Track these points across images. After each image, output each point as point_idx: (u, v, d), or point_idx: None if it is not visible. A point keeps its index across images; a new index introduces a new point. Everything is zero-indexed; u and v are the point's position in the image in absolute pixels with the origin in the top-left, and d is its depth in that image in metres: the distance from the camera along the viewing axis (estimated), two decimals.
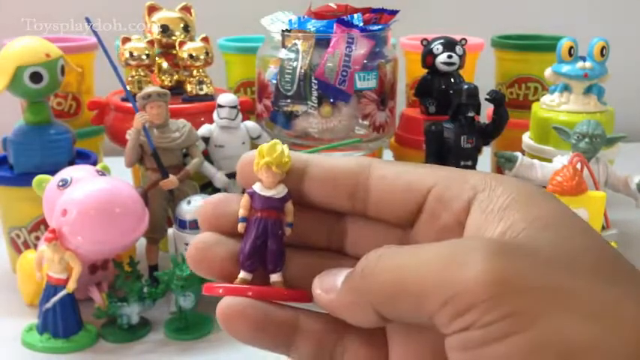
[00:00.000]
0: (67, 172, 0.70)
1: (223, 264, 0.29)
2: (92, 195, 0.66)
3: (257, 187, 0.32)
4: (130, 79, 0.87)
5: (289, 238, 0.30)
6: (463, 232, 0.26)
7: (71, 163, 0.78)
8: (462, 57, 0.91)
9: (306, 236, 0.31)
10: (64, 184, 0.68)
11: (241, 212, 0.31)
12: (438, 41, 0.91)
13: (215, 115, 0.81)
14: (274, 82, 0.82)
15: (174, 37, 0.89)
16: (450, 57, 0.90)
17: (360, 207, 0.29)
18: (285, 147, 0.31)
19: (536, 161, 0.83)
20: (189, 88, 0.88)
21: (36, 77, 0.75)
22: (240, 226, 0.31)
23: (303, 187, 0.30)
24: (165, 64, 0.90)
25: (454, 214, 0.27)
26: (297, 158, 0.30)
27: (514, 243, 0.24)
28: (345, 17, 0.82)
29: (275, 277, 0.30)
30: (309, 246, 0.31)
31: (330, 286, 0.27)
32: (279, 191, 0.32)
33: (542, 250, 0.23)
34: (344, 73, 0.79)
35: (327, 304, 0.27)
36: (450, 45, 0.91)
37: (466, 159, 0.83)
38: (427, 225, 0.28)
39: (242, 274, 0.31)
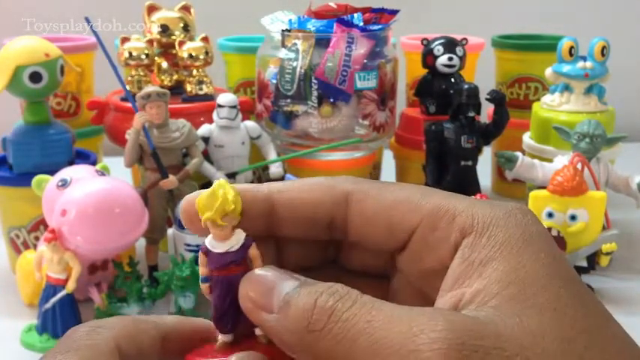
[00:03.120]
0: (66, 172, 0.70)
1: None
2: (92, 195, 0.65)
3: (209, 243, 0.27)
4: (129, 78, 0.86)
5: (281, 265, 0.26)
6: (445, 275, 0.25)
7: (71, 163, 0.78)
8: (462, 58, 0.91)
9: (293, 262, 0.28)
10: (64, 184, 0.68)
11: (201, 271, 0.27)
12: (439, 41, 0.91)
13: (215, 115, 0.81)
14: (274, 81, 0.82)
15: (173, 37, 0.89)
16: (450, 59, 0.90)
17: (341, 236, 0.27)
18: (230, 188, 0.27)
19: (536, 161, 0.82)
20: (188, 87, 0.88)
21: (35, 77, 0.75)
22: (204, 287, 0.28)
23: (272, 226, 0.27)
24: (164, 64, 0.90)
25: (439, 259, 0.25)
26: (253, 197, 0.27)
27: (477, 325, 0.22)
28: (345, 17, 0.82)
29: (259, 331, 0.26)
30: (303, 268, 0.27)
31: (265, 303, 0.24)
32: (235, 242, 0.27)
33: (501, 337, 0.21)
34: (344, 73, 0.78)
35: (261, 324, 0.24)
36: (450, 46, 0.91)
37: (466, 159, 0.83)
38: (411, 264, 0.27)
39: (221, 337, 0.28)
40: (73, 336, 0.25)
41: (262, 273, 0.25)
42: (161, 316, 0.30)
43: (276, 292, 0.24)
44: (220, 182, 0.27)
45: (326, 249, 0.29)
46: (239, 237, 0.27)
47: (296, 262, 0.28)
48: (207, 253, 0.27)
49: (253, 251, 0.27)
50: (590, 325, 0.22)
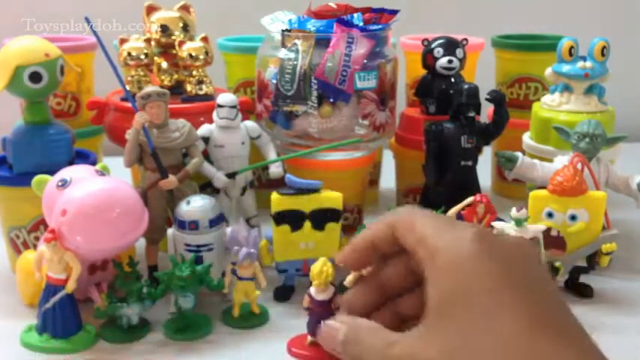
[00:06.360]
0: (66, 172, 0.70)
1: None
2: (92, 195, 0.65)
3: (313, 292, 0.60)
4: (129, 78, 0.86)
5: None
6: None
7: (71, 163, 0.78)
8: (462, 60, 0.91)
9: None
10: (64, 184, 0.68)
11: (305, 303, 0.60)
12: (439, 42, 0.91)
13: (215, 115, 0.81)
14: (274, 81, 0.82)
15: (173, 37, 0.89)
16: (450, 62, 0.90)
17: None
18: (328, 263, 0.59)
19: (536, 161, 0.82)
20: (188, 87, 0.88)
21: (35, 77, 0.75)
22: (306, 303, 0.61)
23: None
24: (164, 64, 0.90)
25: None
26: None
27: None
28: (345, 17, 0.82)
29: None
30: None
31: (330, 339, 0.43)
32: (328, 295, 0.59)
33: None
34: (344, 73, 0.78)
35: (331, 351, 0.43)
36: (450, 48, 0.90)
37: (466, 159, 0.83)
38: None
39: (310, 338, 0.63)
40: None
41: (330, 323, 0.43)
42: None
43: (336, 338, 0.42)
44: (323, 261, 0.60)
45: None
46: (330, 291, 0.60)
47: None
48: (311, 296, 0.60)
49: (336, 298, 0.58)
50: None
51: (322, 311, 0.59)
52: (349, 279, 0.71)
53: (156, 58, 0.89)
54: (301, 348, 0.65)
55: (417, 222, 0.39)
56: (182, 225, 0.72)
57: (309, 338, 0.63)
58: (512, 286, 0.34)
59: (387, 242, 0.41)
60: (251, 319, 0.70)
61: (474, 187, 0.83)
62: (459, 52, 0.90)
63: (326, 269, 0.59)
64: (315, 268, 0.60)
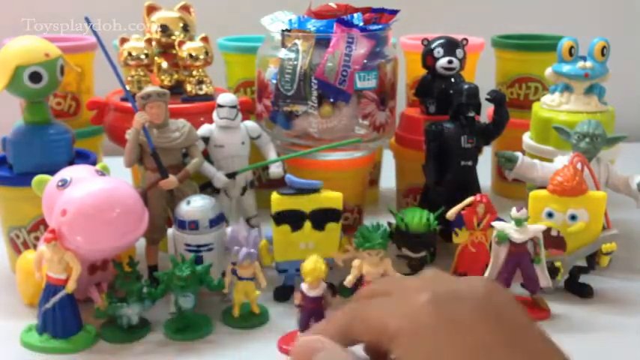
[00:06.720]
0: (66, 172, 0.70)
1: None
2: (92, 195, 0.65)
3: (305, 289, 0.62)
4: (129, 78, 0.86)
5: None
6: None
7: (71, 163, 0.78)
8: (462, 60, 0.91)
9: None
10: (64, 184, 0.68)
11: (297, 301, 0.63)
12: (439, 42, 0.91)
13: (215, 115, 0.81)
14: (274, 81, 0.82)
15: (173, 37, 0.89)
16: (450, 62, 0.90)
17: None
18: (322, 263, 0.62)
19: (536, 161, 0.82)
20: (188, 87, 0.88)
21: (35, 77, 0.75)
22: (297, 300, 0.63)
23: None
24: (164, 64, 0.90)
25: None
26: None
27: None
28: (345, 17, 0.82)
29: None
30: None
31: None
32: (319, 291, 0.62)
33: None
34: (344, 73, 0.78)
35: None
36: (450, 48, 0.90)
37: (466, 159, 0.83)
38: None
39: (299, 334, 0.59)
40: None
41: (310, 340, 0.39)
42: None
43: (314, 358, 0.38)
44: (315, 258, 0.62)
45: None
46: (321, 288, 0.62)
47: None
48: (303, 294, 0.62)
49: (327, 295, 0.63)
50: None
51: (314, 307, 0.63)
52: (349, 279, 0.72)
53: (156, 58, 0.89)
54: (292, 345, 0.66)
55: (369, 311, 0.37)
56: (182, 225, 0.72)
57: (299, 335, 0.62)
58: (480, 346, 0.33)
59: (346, 343, 0.39)
60: (251, 319, 0.70)
61: (474, 187, 0.83)
62: (458, 52, 0.90)
63: (318, 266, 0.62)
64: (307, 265, 0.63)
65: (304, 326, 0.63)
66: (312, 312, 0.63)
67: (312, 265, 0.62)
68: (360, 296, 0.41)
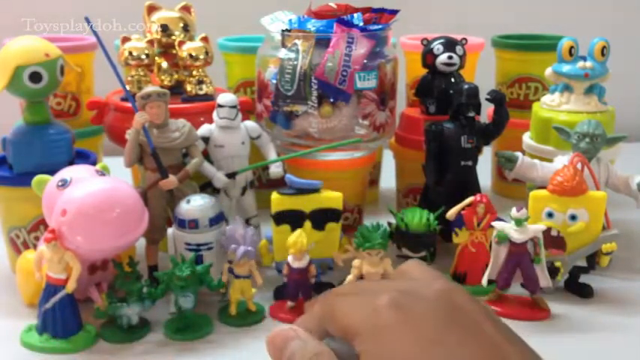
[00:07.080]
0: (66, 172, 0.70)
1: None
2: (92, 195, 0.65)
3: (291, 261, 0.69)
4: (129, 78, 0.86)
5: None
6: None
7: (71, 163, 0.78)
8: (462, 57, 0.91)
9: None
10: (64, 184, 0.68)
11: (285, 272, 0.69)
12: (438, 41, 0.91)
13: (215, 115, 0.81)
14: (274, 81, 0.82)
15: (173, 37, 0.89)
16: (450, 57, 0.90)
17: None
18: (304, 236, 0.67)
19: (536, 161, 0.82)
20: (188, 87, 0.88)
21: (35, 77, 0.75)
22: (285, 271, 0.69)
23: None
24: (164, 64, 0.90)
25: None
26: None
27: None
28: (345, 17, 0.82)
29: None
30: None
31: (281, 354, 0.40)
32: (304, 263, 0.69)
33: None
34: (344, 73, 0.78)
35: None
36: (450, 45, 0.90)
37: (466, 159, 0.83)
38: None
39: (289, 303, 0.70)
40: None
41: (284, 329, 0.41)
42: None
43: (287, 346, 0.40)
44: (298, 232, 0.67)
45: None
46: (305, 260, 0.68)
47: None
48: (289, 265, 0.69)
49: (312, 268, 0.69)
50: None
51: (299, 278, 0.70)
52: (349, 279, 0.72)
53: (156, 58, 0.89)
54: (282, 312, 0.71)
55: (336, 309, 0.40)
56: (182, 224, 0.72)
57: (290, 303, 0.71)
58: (437, 343, 0.35)
59: (322, 335, 0.41)
60: (247, 317, 0.71)
61: (474, 187, 0.83)
62: (458, 49, 0.90)
63: (300, 240, 0.68)
64: (290, 239, 0.69)
65: (291, 296, 0.70)
66: (298, 283, 0.70)
67: (295, 238, 0.68)
68: (334, 293, 0.43)
